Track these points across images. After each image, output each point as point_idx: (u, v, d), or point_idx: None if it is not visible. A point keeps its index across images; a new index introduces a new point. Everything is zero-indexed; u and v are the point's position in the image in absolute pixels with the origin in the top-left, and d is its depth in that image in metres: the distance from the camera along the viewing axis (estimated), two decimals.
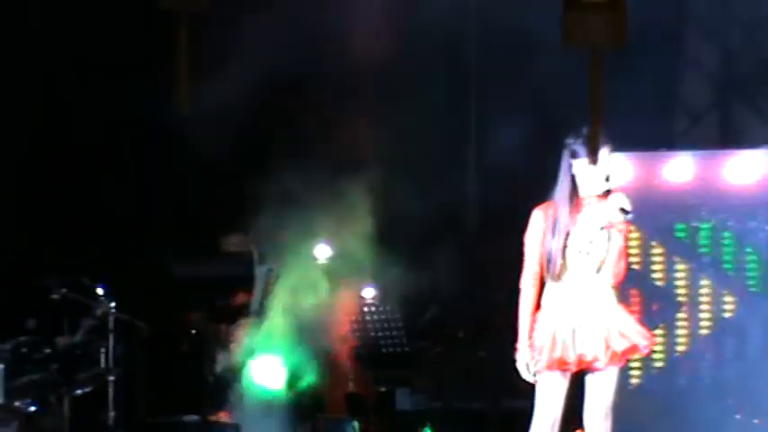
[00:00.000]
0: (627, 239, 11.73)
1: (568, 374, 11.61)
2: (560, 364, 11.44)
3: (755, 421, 14.59)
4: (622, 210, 11.33)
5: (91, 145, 15.41)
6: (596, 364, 11.42)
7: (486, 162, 14.96)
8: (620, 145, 11.95)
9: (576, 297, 11.53)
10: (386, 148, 14.74)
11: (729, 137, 15.79)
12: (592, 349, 11.40)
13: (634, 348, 11.58)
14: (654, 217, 14.56)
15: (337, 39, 15.02)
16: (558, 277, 11.51)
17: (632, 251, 14.51)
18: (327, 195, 14.62)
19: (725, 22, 16.55)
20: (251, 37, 14.54)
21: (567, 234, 11.52)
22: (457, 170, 15.01)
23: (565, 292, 11.54)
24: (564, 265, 11.54)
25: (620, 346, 11.46)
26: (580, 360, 11.39)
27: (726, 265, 14.71)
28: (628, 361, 12.00)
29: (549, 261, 11.59)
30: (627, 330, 11.55)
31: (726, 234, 14.71)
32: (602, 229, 11.53)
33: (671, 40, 15.02)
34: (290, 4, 14.70)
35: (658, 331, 14.59)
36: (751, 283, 14.60)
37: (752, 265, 14.64)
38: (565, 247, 11.57)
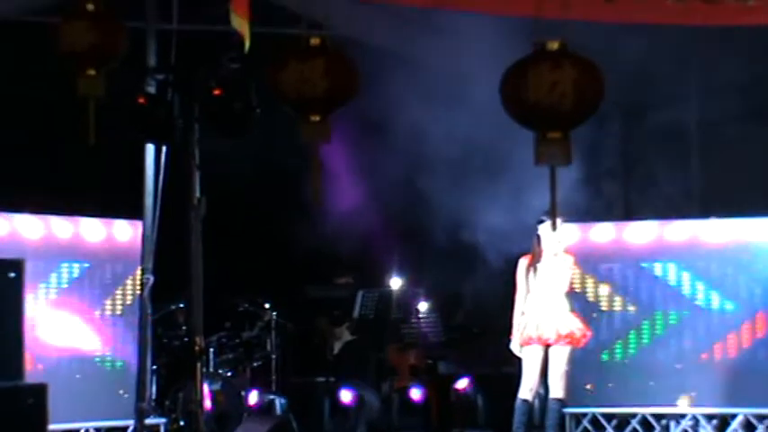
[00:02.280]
0: (570, 263, 12.16)
1: (539, 350, 12.06)
2: (530, 341, 11.88)
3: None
4: (559, 242, 11.88)
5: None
6: (550, 342, 11.87)
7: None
8: (569, 217, 12.39)
9: (542, 303, 12.00)
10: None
11: (631, 213, 15.85)
12: (547, 333, 11.85)
13: (571, 334, 12.01)
14: (587, 260, 14.51)
15: None
16: (533, 293, 12.00)
17: (575, 280, 14.37)
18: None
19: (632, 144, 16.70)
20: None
21: (537, 270, 12.03)
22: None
23: (537, 301, 12.02)
24: (537, 287, 12.04)
25: (564, 331, 11.91)
26: (539, 338, 11.86)
27: (629, 287, 14.65)
28: (570, 342, 12.31)
29: (528, 285, 12.09)
30: (569, 324, 12.00)
31: (628, 271, 14.67)
32: (554, 259, 12.02)
33: (595, 156, 14.91)
34: None
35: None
36: (643, 296, 14.62)
37: (644, 286, 14.64)
38: (535, 276, 12.08)
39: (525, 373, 12.17)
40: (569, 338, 12.15)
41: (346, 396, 14.88)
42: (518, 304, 12.25)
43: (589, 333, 12.42)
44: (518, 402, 12.17)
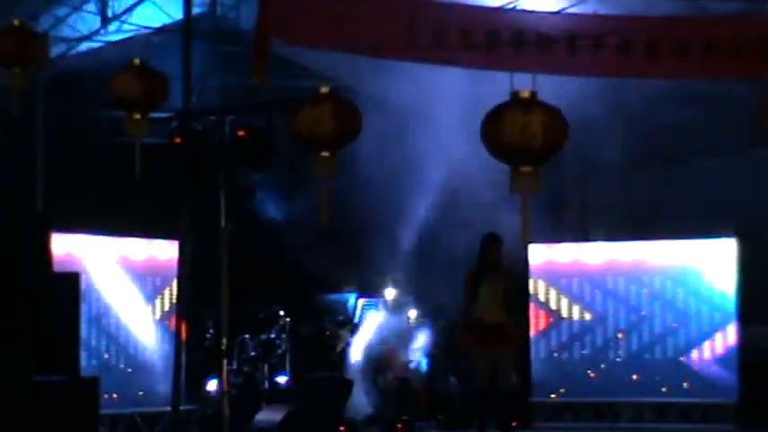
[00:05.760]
0: (511, 276, 11.97)
1: (485, 349, 11.87)
2: (474, 341, 11.69)
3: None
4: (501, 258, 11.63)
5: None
6: (492, 341, 11.69)
7: None
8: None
9: (486, 311, 11.81)
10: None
11: (584, 237, 15.76)
12: (487, 336, 11.67)
13: (508, 337, 11.88)
14: (549, 275, 14.51)
15: None
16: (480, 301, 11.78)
17: (540, 291, 14.57)
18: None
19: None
20: None
21: (483, 282, 11.84)
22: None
23: (482, 308, 11.81)
24: (483, 296, 11.82)
25: (501, 335, 11.73)
26: (482, 339, 11.69)
27: (585, 299, 14.54)
28: (506, 343, 12.07)
29: (476, 295, 11.90)
30: (505, 328, 11.83)
31: (585, 285, 14.56)
32: (497, 273, 11.82)
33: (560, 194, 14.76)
34: None
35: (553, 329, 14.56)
36: (597, 306, 14.52)
37: (597, 298, 14.53)
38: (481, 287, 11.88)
39: (477, 368, 12.00)
40: (508, 340, 12.02)
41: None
42: (466, 310, 12.04)
43: (521, 335, 12.28)
44: (476, 392, 12.02)
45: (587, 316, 14.53)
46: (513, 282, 12.01)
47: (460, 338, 12.12)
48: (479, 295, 11.86)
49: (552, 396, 14.47)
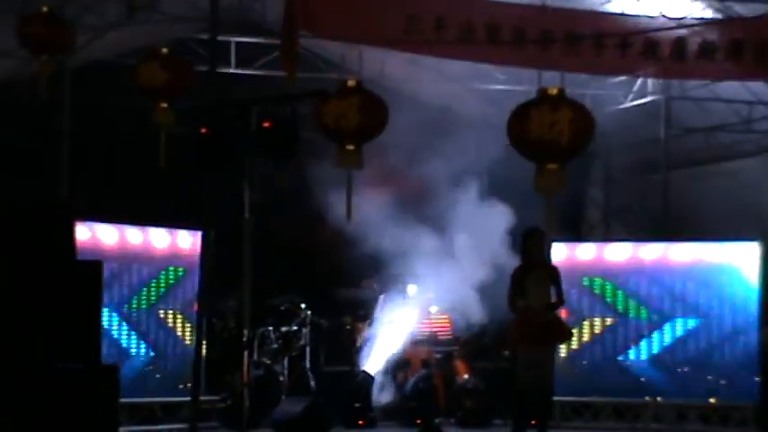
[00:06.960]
0: (556, 272, 11.85)
1: (532, 348, 11.73)
2: (524, 341, 11.58)
3: None
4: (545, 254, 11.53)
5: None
6: (540, 343, 11.55)
7: None
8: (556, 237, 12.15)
9: (534, 309, 11.67)
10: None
11: (609, 237, 15.68)
12: (538, 335, 11.54)
13: (559, 336, 11.75)
14: (572, 274, 14.17)
15: None
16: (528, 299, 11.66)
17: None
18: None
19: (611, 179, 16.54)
20: None
21: (528, 278, 11.69)
22: None
23: (530, 306, 11.67)
24: (530, 293, 11.69)
25: (551, 332, 11.62)
26: (534, 338, 11.55)
27: (607, 299, 14.45)
28: (560, 342, 12.11)
29: (523, 292, 11.76)
30: (555, 326, 11.71)
31: (607, 284, 14.47)
32: (542, 269, 11.70)
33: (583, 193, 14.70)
34: None
35: (575, 329, 14.41)
36: (619, 306, 14.44)
37: (619, 298, 14.44)
38: (528, 284, 11.74)
39: (520, 366, 11.85)
40: (558, 340, 11.93)
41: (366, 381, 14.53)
42: (516, 309, 11.86)
43: (571, 331, 12.19)
44: (516, 391, 11.86)
45: (609, 316, 14.44)
46: (559, 276, 11.89)
47: (510, 337, 11.95)
48: (526, 292, 11.73)
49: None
